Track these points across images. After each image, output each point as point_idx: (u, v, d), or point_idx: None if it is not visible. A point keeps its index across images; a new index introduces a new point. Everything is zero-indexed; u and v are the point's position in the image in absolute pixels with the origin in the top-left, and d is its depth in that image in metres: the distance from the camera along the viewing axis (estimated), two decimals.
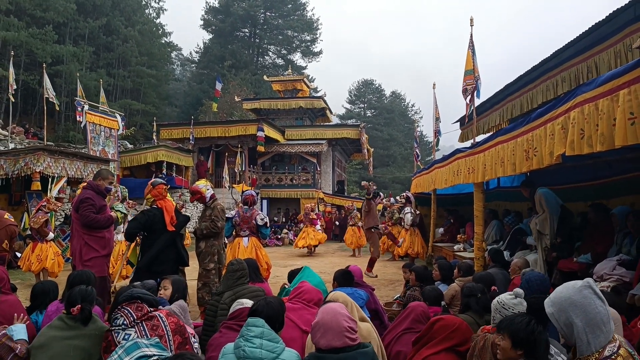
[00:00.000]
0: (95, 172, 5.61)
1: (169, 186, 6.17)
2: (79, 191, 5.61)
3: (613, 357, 1.85)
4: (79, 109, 14.90)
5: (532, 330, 2.32)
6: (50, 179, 11.01)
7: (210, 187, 6.39)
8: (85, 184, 5.46)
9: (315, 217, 15.28)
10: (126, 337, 2.70)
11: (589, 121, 3.28)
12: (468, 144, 7.58)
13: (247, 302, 3.33)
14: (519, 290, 2.98)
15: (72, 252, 5.12)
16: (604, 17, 6.07)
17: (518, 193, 8.20)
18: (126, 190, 13.50)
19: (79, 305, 2.89)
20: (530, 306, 2.85)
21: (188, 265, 5.80)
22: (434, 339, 2.94)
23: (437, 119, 12.90)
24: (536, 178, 7.87)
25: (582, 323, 1.91)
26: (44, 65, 15.31)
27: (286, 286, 5.05)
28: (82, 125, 15.90)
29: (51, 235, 8.63)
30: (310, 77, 41.58)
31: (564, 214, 5.95)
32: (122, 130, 18.14)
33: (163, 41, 39.07)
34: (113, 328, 2.82)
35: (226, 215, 7.68)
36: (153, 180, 5.76)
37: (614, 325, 2.19)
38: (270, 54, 49.00)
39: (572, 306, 1.94)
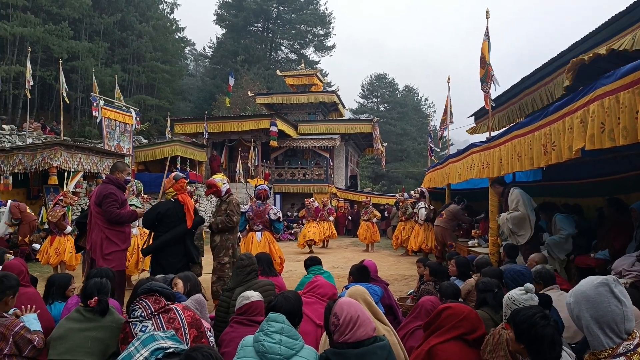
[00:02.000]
0: (111, 166, 5.59)
1: (188, 180, 6.27)
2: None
3: (629, 354, 1.82)
4: (95, 104, 15.09)
5: (533, 323, 2.28)
6: (66, 174, 11.17)
7: (226, 182, 6.43)
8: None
9: (322, 207, 15.03)
10: (143, 329, 2.73)
11: (609, 114, 3.20)
12: (480, 137, 7.50)
13: (253, 296, 3.34)
14: (529, 285, 2.94)
15: (91, 246, 5.12)
16: (624, 8, 5.93)
17: (535, 188, 8.10)
18: (141, 184, 13.59)
19: (96, 298, 2.94)
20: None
21: (196, 263, 5.79)
22: (442, 327, 2.91)
23: (451, 113, 12.81)
24: (552, 173, 7.77)
25: (591, 318, 1.91)
26: (60, 61, 15.50)
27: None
28: (97, 121, 16.09)
29: (69, 228, 8.76)
30: (323, 72, 41.50)
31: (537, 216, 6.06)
32: (137, 126, 18.32)
33: (177, 36, 39.25)
34: (131, 320, 2.86)
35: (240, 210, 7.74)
36: (175, 174, 5.79)
37: (634, 324, 2.16)
38: (283, 48, 48.99)
39: (585, 300, 1.95)
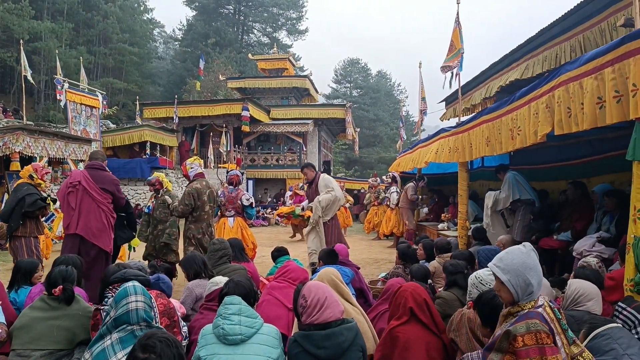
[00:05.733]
0: (91, 155, 5.45)
1: None
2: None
3: (543, 306, 2.06)
4: (59, 87, 14.55)
5: (495, 305, 2.36)
6: (30, 159, 10.80)
7: (196, 166, 6.23)
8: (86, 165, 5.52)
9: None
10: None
11: (574, 100, 3.28)
12: (451, 122, 7.61)
13: (222, 281, 3.33)
14: None
15: (87, 230, 4.87)
16: None
17: None
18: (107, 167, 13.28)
19: (61, 286, 2.87)
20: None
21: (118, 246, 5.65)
22: (397, 307, 2.96)
23: (423, 99, 12.90)
24: (519, 158, 7.96)
25: (536, 282, 2.06)
26: (21, 42, 14.85)
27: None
28: (62, 104, 15.55)
29: None
30: (296, 56, 41.06)
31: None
32: (104, 110, 17.80)
33: (145, 18, 38.12)
34: (103, 307, 2.82)
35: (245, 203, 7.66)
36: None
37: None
38: (255, 31, 48.15)
39: (528, 269, 2.06)
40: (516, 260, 2.07)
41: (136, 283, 2.51)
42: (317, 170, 7.17)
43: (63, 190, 5.01)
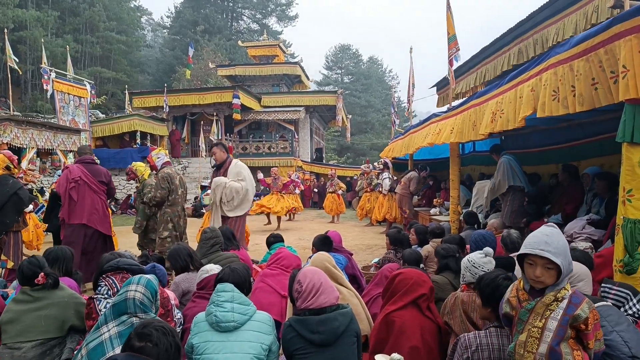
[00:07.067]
0: (80, 151, 6.14)
1: None
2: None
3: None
4: (46, 77, 14.32)
5: (497, 285, 2.37)
6: (18, 150, 10.67)
7: (162, 156, 6.25)
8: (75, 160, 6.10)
9: (290, 180, 14.73)
10: (107, 305, 2.69)
11: (563, 82, 3.27)
12: (445, 108, 7.59)
13: (213, 269, 3.32)
14: (489, 249, 3.05)
15: (92, 220, 5.62)
16: None
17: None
18: (98, 160, 13.19)
19: (42, 274, 2.84)
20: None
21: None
22: (396, 293, 2.99)
23: (413, 85, 12.87)
24: (510, 141, 7.99)
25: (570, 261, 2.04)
26: (6, 31, 14.58)
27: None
28: (49, 94, 15.32)
29: (30, 207, 8.41)
30: (287, 43, 40.68)
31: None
32: (92, 99, 17.58)
33: (132, 5, 37.54)
34: (96, 296, 2.81)
35: (203, 184, 7.64)
36: None
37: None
38: (245, 18, 47.62)
39: (568, 249, 2.05)
40: (562, 242, 2.03)
41: (149, 276, 2.48)
42: (228, 153, 6.41)
43: (64, 186, 5.52)
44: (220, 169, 6.30)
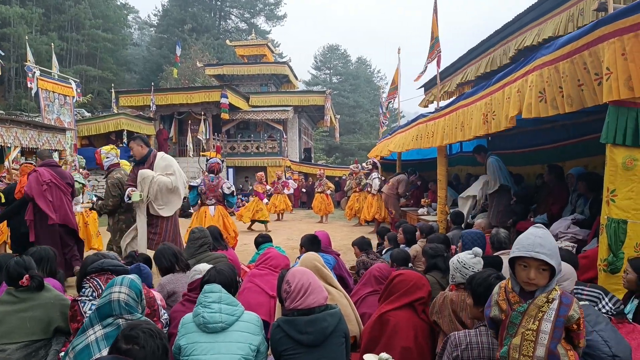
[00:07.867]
0: (43, 155, 6.47)
1: None
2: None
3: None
4: (30, 74, 14.08)
5: (489, 285, 2.39)
6: (2, 149, 10.50)
7: (112, 156, 5.86)
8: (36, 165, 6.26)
9: (277, 180, 15.18)
10: (92, 307, 2.65)
11: (550, 84, 3.31)
12: (431, 108, 7.64)
13: (204, 269, 3.29)
14: (478, 249, 3.06)
15: (65, 218, 5.84)
16: None
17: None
18: (83, 160, 13.11)
19: (27, 275, 2.80)
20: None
21: None
22: (394, 293, 3.01)
23: (394, 88, 12.94)
24: (496, 142, 8.07)
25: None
26: None
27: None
28: (33, 93, 15.09)
29: None
30: (275, 42, 40.61)
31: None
32: (78, 98, 17.34)
33: (118, 3, 37.11)
34: (80, 298, 2.77)
35: (192, 184, 7.56)
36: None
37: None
38: (233, 17, 47.37)
39: (557, 249, 2.02)
40: (554, 243, 2.00)
41: (132, 276, 2.45)
42: (150, 147, 5.64)
43: (37, 188, 5.67)
44: (143, 164, 5.48)
